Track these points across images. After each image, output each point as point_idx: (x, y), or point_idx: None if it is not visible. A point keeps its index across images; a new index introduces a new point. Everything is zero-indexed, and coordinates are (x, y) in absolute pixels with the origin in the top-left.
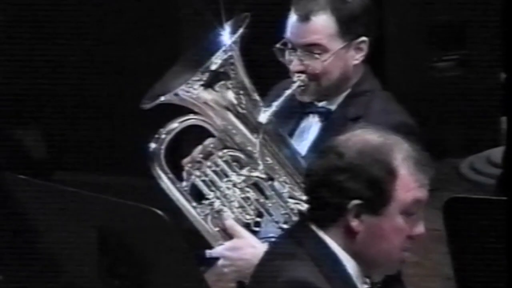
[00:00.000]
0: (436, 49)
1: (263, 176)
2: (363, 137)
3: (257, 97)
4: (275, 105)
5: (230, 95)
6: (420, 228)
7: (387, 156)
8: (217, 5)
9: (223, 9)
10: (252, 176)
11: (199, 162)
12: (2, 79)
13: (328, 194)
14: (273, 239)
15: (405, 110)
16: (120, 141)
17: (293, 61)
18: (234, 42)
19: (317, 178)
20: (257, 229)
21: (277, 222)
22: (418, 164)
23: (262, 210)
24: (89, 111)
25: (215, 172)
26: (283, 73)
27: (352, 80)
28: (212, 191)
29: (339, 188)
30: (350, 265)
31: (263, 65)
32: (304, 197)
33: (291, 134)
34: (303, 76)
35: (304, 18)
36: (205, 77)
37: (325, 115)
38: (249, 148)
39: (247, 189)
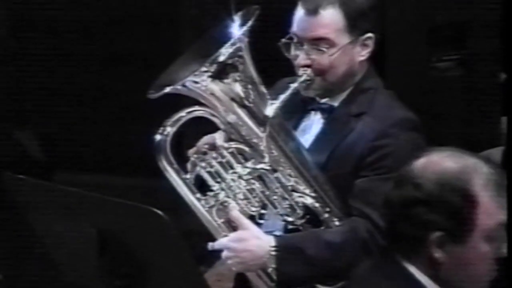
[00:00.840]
0: (436, 49)
1: (268, 168)
2: (440, 165)
3: (264, 90)
4: (282, 98)
5: (238, 87)
6: (504, 250)
7: (466, 183)
8: None
9: (233, 1)
10: (257, 168)
11: (205, 153)
12: (2, 79)
13: (408, 226)
14: (276, 233)
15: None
16: (120, 141)
17: (299, 56)
18: (243, 34)
19: (396, 210)
20: (261, 221)
21: (281, 215)
22: (498, 186)
23: (266, 202)
24: (89, 111)
25: (220, 163)
26: (290, 67)
27: (356, 77)
28: (217, 182)
29: (419, 221)
30: None
31: (271, 59)
32: (308, 191)
33: (293, 130)
34: (309, 71)
35: (312, 12)
36: (213, 68)
37: (327, 112)
38: (255, 140)
39: (252, 181)
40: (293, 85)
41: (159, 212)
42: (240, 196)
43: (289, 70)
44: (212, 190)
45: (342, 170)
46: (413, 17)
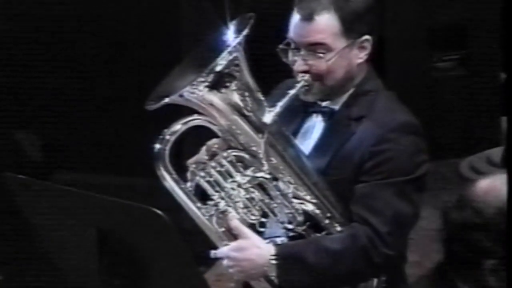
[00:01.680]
0: (436, 49)
1: (268, 176)
2: (503, 191)
3: (261, 98)
4: (280, 105)
5: (235, 96)
6: None
7: None
8: (222, 4)
9: (228, 9)
10: (257, 177)
11: (204, 162)
12: (2, 79)
13: (464, 249)
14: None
15: (409, 109)
16: (120, 141)
17: (297, 61)
18: (239, 43)
19: (453, 232)
20: (262, 229)
21: (282, 223)
22: None
23: (267, 210)
24: (89, 111)
25: (219, 172)
26: (288, 73)
27: (356, 80)
28: (216, 191)
29: (476, 247)
30: None
31: (268, 65)
32: (309, 197)
33: (295, 134)
34: (307, 76)
35: (308, 17)
36: (210, 78)
37: (328, 115)
38: (254, 148)
39: (252, 189)
40: (292, 92)
41: (159, 212)
42: (240, 204)
43: (287, 76)
44: (212, 199)
45: (343, 175)
46: (413, 17)
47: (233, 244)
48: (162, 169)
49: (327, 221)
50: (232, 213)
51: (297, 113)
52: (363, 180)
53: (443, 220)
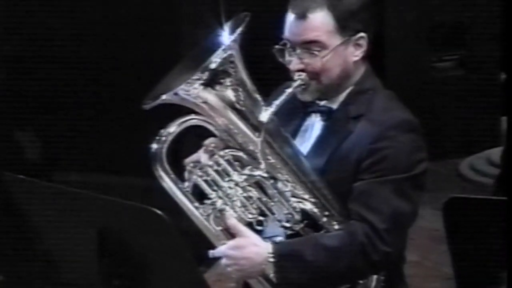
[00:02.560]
0: (436, 49)
1: (265, 175)
2: None
3: (257, 96)
4: (276, 104)
5: (230, 94)
6: None
7: None
8: (217, 4)
9: (223, 9)
10: (254, 175)
11: (201, 161)
12: (2, 80)
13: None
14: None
15: (407, 108)
16: (120, 141)
17: (293, 60)
18: (233, 41)
19: None
20: (259, 228)
21: (279, 221)
22: None
23: (264, 209)
24: (89, 111)
25: (217, 171)
26: (284, 73)
27: (353, 78)
28: (214, 190)
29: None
30: None
31: (264, 64)
32: (307, 196)
33: (294, 134)
34: (303, 75)
35: (302, 16)
36: (205, 76)
37: (327, 114)
38: (251, 147)
39: (249, 188)
40: (288, 90)
41: (159, 212)
42: (238, 203)
43: (283, 75)
44: (209, 199)
45: (341, 174)
46: (413, 17)
47: (231, 242)
48: (159, 169)
49: (325, 220)
50: (230, 212)
51: (296, 113)
52: (361, 178)
53: None
